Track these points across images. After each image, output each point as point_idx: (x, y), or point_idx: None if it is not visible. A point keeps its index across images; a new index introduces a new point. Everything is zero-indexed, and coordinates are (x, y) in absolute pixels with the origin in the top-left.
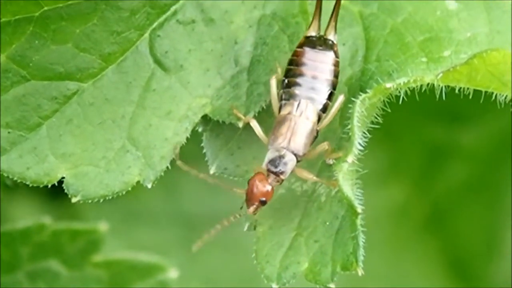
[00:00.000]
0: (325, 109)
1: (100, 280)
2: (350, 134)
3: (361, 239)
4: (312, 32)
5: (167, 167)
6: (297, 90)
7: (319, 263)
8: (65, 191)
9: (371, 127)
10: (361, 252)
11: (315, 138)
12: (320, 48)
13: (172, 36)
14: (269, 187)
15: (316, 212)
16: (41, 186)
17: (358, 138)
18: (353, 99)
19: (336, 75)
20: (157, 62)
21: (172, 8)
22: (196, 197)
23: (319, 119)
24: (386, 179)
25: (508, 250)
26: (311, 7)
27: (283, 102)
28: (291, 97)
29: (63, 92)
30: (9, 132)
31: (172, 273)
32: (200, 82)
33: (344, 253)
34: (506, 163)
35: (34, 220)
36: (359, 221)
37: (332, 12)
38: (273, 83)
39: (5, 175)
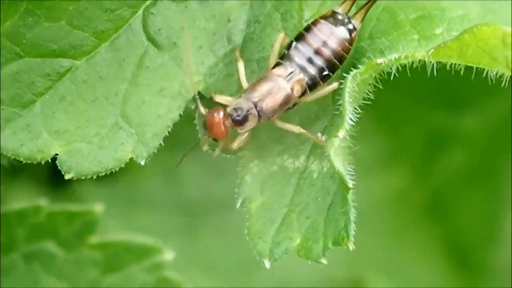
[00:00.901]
0: (313, 86)
1: (96, 261)
2: (341, 109)
3: (353, 214)
4: (339, 10)
5: (160, 145)
6: (297, 57)
7: (311, 238)
8: (59, 168)
9: (363, 103)
10: (352, 226)
11: (289, 109)
12: (338, 26)
13: (165, 14)
14: (222, 128)
15: (308, 188)
16: (35, 162)
17: (350, 114)
18: (344, 74)
19: (340, 59)
20: (150, 39)
21: None
22: (196, 183)
23: (304, 93)
24: (385, 165)
25: (508, 236)
26: None
27: (280, 61)
28: (288, 60)
29: (56, 69)
30: (3, 109)
31: (168, 255)
32: (194, 60)
33: (335, 228)
34: (507, 149)
35: (30, 202)
36: (350, 196)
37: (367, 3)
38: (280, 38)
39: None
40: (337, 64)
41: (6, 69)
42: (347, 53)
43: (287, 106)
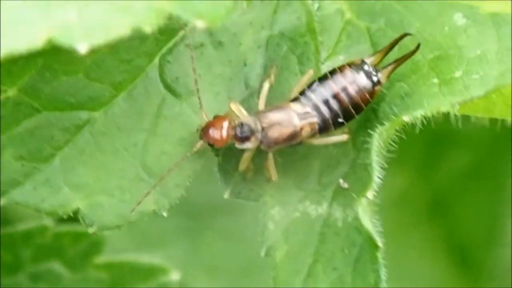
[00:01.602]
0: (324, 129)
1: (102, 282)
2: (369, 168)
3: (383, 273)
4: (369, 60)
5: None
6: (315, 98)
7: None
8: (81, 222)
9: (387, 157)
10: (384, 285)
11: (292, 146)
12: (362, 76)
13: (181, 61)
14: (223, 135)
15: (333, 238)
16: (57, 217)
17: (377, 173)
18: (369, 131)
19: (357, 109)
20: (168, 88)
21: (181, 33)
22: (199, 187)
23: (313, 136)
24: (388, 166)
25: (509, 237)
26: (318, 25)
27: (299, 97)
28: (306, 99)
29: (74, 122)
30: (22, 165)
31: (174, 276)
32: (211, 107)
33: (364, 283)
34: (508, 151)
35: (35, 222)
36: (380, 254)
37: (401, 58)
38: (309, 74)
39: (22, 207)
40: (353, 114)
41: (25, 124)
42: (366, 105)
43: (291, 143)
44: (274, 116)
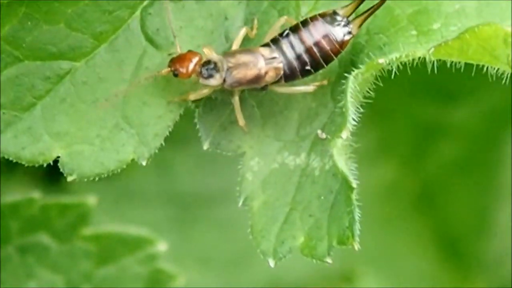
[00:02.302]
0: (291, 77)
1: (89, 253)
2: (343, 109)
3: (357, 213)
4: (341, 11)
5: (161, 144)
6: (285, 46)
7: (315, 237)
8: (60, 169)
9: (363, 102)
10: (357, 226)
11: (256, 89)
12: (334, 27)
13: (163, 14)
14: (189, 67)
15: (310, 186)
16: (36, 165)
17: (352, 114)
18: (346, 74)
19: (326, 60)
20: (149, 39)
21: None
22: (189, 176)
23: (278, 81)
24: (376, 157)
25: (498, 227)
26: None
27: (269, 43)
28: (276, 45)
29: (56, 71)
30: (3, 113)
31: (161, 246)
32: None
33: (340, 228)
34: (497, 141)
35: (22, 194)
36: (354, 196)
37: (370, 8)
38: (281, 21)
39: (1, 155)
40: (321, 64)
41: (6, 73)
42: (336, 55)
43: (254, 86)
44: (241, 57)
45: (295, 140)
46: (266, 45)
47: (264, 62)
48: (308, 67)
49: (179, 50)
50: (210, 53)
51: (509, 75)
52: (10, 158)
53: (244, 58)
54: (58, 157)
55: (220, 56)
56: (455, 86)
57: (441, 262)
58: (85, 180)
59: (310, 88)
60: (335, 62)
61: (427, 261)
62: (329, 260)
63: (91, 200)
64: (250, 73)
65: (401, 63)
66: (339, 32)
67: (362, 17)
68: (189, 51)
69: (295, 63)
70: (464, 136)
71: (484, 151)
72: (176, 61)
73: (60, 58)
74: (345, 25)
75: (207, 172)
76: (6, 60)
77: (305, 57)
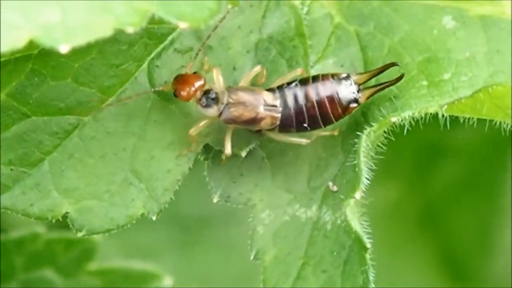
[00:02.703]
0: (285, 129)
1: None
2: (356, 169)
3: (371, 273)
4: (354, 77)
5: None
6: (289, 97)
7: None
8: (70, 226)
9: (375, 158)
10: (372, 285)
11: (251, 131)
12: (343, 90)
13: (170, 65)
14: (190, 90)
15: (322, 240)
16: (45, 221)
17: (365, 174)
18: (358, 133)
19: (325, 121)
20: (157, 92)
21: (170, 37)
22: (191, 199)
23: (272, 129)
24: (380, 177)
25: (501, 247)
26: (307, 29)
27: (275, 90)
28: (280, 94)
29: (63, 127)
30: (11, 169)
31: (167, 281)
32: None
33: (353, 285)
34: (499, 162)
35: (28, 229)
36: (368, 255)
37: (382, 84)
38: (296, 72)
39: (9, 212)
40: (319, 124)
41: (14, 129)
42: (337, 119)
43: (248, 127)
44: (243, 96)
45: (306, 192)
46: (271, 90)
47: (263, 108)
48: (305, 125)
49: (188, 70)
50: (217, 78)
51: None
52: (19, 215)
53: (245, 97)
54: (67, 213)
55: (223, 88)
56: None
57: (444, 281)
58: (95, 235)
59: (304, 141)
60: None
61: (430, 280)
62: None
63: (97, 236)
64: (247, 114)
65: (413, 118)
66: (346, 97)
67: (373, 90)
68: (195, 73)
69: (293, 116)
70: (467, 157)
71: (487, 171)
72: (179, 81)
73: (68, 113)
74: (354, 92)
75: (208, 195)
76: (14, 116)
77: (305, 114)
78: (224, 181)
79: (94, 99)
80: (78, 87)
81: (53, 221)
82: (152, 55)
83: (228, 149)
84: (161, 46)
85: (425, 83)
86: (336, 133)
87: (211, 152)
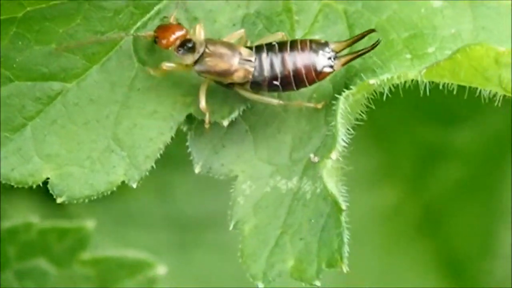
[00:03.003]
0: (257, 86)
1: (89, 278)
2: (333, 130)
3: (346, 236)
4: (333, 45)
5: (152, 167)
6: (264, 56)
7: (305, 260)
8: (50, 191)
9: (355, 124)
10: (346, 248)
11: (221, 84)
12: (319, 56)
13: None
14: (170, 38)
15: (301, 210)
16: (26, 187)
17: (342, 135)
18: (336, 95)
19: (298, 84)
20: (141, 61)
21: (156, 8)
22: (189, 199)
23: (244, 84)
24: (379, 180)
25: (501, 250)
26: (295, 6)
27: (253, 48)
28: (258, 53)
29: (47, 92)
30: None
31: (161, 270)
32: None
33: (329, 250)
34: (499, 164)
35: (21, 219)
36: (343, 218)
37: (360, 51)
38: (277, 35)
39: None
40: (292, 85)
41: None
42: (310, 84)
43: (220, 79)
44: (220, 49)
45: (287, 164)
46: (250, 48)
47: (237, 60)
48: (276, 82)
49: (173, 19)
50: (198, 31)
51: (501, 97)
52: (0, 179)
53: (222, 50)
54: (48, 178)
55: (202, 40)
56: (456, 109)
57: (444, 283)
58: (75, 201)
59: (275, 101)
60: (329, 85)
61: (430, 283)
62: (318, 283)
63: (90, 224)
64: (221, 65)
65: (393, 85)
66: (321, 63)
67: (349, 57)
68: (178, 24)
69: (266, 74)
70: (467, 159)
71: (486, 174)
72: (161, 30)
73: (51, 79)
74: (329, 58)
75: (206, 196)
76: None
77: (278, 73)
78: (206, 152)
79: (78, 65)
80: (62, 52)
81: (46, 209)
82: (138, 25)
83: (202, 103)
84: (148, 16)
85: (408, 56)
86: (319, 106)
87: (194, 122)
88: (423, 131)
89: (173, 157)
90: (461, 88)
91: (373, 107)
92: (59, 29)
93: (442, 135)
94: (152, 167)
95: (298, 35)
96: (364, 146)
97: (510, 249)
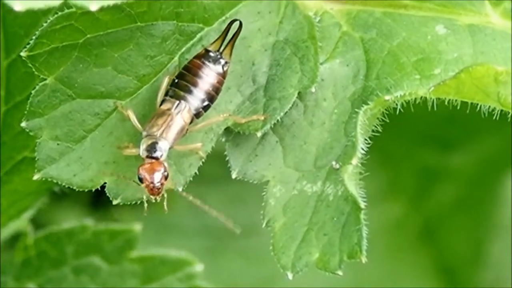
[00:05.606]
0: (198, 115)
1: (136, 273)
2: (354, 140)
3: (364, 231)
4: (211, 47)
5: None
6: (181, 92)
7: (328, 253)
8: (107, 194)
9: (372, 135)
10: (365, 242)
11: (183, 135)
12: (212, 63)
13: None
14: (162, 173)
15: (325, 209)
16: (86, 190)
17: (361, 143)
18: (356, 110)
19: (216, 91)
20: None
21: (198, 35)
22: (220, 211)
23: (191, 121)
24: (385, 197)
25: (492, 259)
26: (318, 33)
27: (167, 98)
28: (174, 96)
29: (104, 108)
30: (58, 144)
31: (198, 267)
32: (223, 99)
33: (349, 244)
34: (490, 184)
35: (77, 222)
36: (362, 216)
37: (233, 37)
38: (166, 80)
39: (55, 181)
40: (215, 96)
41: (61, 109)
42: (222, 85)
43: (182, 134)
44: (158, 122)
45: (312, 170)
46: (163, 101)
47: (175, 112)
48: (206, 103)
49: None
50: (130, 152)
51: (499, 112)
52: (63, 184)
53: (160, 121)
54: (105, 183)
55: (144, 138)
56: (452, 135)
57: None
58: (129, 203)
59: (221, 116)
60: (348, 103)
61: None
62: (340, 272)
63: (137, 227)
64: (176, 127)
65: (405, 101)
66: (218, 67)
67: (229, 45)
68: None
69: (195, 102)
70: (461, 179)
71: (479, 192)
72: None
73: (108, 97)
74: (219, 58)
75: (237, 209)
76: (61, 98)
77: (200, 94)
78: (241, 160)
79: (131, 85)
80: (117, 74)
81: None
82: (182, 50)
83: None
84: (191, 42)
85: (417, 77)
86: (261, 117)
87: (231, 135)
88: (423, 154)
89: (208, 176)
90: (460, 112)
91: (387, 120)
92: (114, 54)
93: (440, 158)
94: (190, 181)
95: (321, 59)
96: (371, 167)
97: (498, 258)
